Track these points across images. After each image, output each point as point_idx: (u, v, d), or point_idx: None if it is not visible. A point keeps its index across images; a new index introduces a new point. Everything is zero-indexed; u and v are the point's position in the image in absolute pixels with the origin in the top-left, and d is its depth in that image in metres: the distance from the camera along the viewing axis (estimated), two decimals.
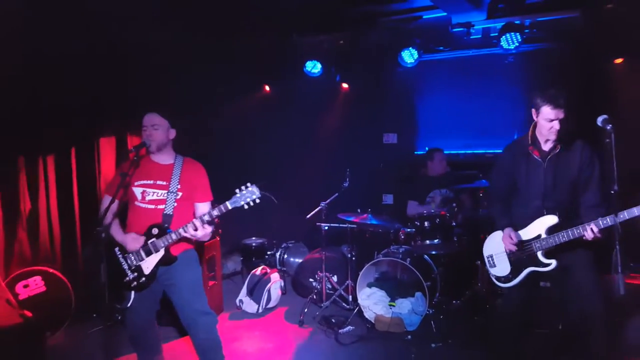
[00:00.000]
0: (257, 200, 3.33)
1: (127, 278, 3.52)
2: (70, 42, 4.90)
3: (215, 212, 3.38)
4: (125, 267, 3.53)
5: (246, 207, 3.33)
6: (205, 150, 3.89)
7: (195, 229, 3.39)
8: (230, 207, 3.35)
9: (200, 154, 3.96)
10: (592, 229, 3.20)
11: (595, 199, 3.43)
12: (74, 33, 4.88)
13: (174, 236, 3.45)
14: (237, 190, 3.33)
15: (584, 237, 3.26)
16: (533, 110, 3.50)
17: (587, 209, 3.43)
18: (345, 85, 7.67)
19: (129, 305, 3.55)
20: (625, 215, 3.08)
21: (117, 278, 3.53)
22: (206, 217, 3.40)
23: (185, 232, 3.41)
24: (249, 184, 3.34)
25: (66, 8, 4.59)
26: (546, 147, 3.54)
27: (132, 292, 3.55)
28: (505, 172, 3.75)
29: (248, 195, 3.31)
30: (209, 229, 3.45)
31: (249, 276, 6.04)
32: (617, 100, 5.36)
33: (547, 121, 3.39)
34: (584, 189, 3.47)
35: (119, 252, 3.56)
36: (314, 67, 7.20)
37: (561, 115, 3.35)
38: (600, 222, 3.18)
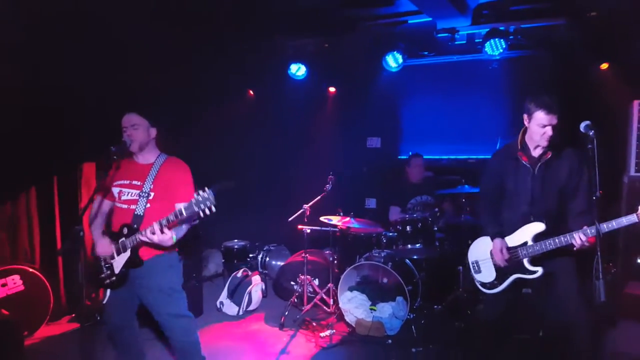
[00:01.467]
0: (213, 209, 3.10)
1: (102, 275, 3.52)
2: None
3: (172, 217, 3.22)
4: (102, 262, 3.53)
5: (202, 214, 3.12)
6: (187, 152, 3.82)
7: (153, 233, 3.23)
8: (185, 214, 3.15)
9: (182, 156, 3.90)
10: (580, 237, 3.20)
11: (582, 207, 3.43)
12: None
13: (137, 238, 3.38)
14: (195, 194, 3.12)
15: (572, 245, 3.26)
16: (525, 116, 3.50)
17: (574, 217, 3.44)
18: (330, 89, 7.66)
19: (105, 301, 3.54)
20: (613, 224, 3.09)
21: (95, 274, 3.53)
22: (164, 221, 3.24)
23: (144, 237, 3.29)
24: (206, 189, 3.10)
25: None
26: (535, 153, 3.54)
27: (108, 290, 3.55)
28: (494, 177, 3.73)
29: (203, 202, 3.08)
30: (168, 234, 3.25)
31: (230, 278, 6.00)
32: (600, 106, 5.41)
33: (540, 127, 3.39)
34: (572, 196, 3.47)
35: None
36: (298, 70, 7.19)
37: (554, 121, 3.36)
38: (588, 230, 3.18)
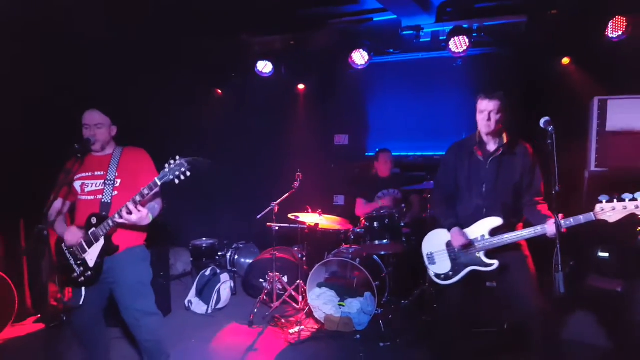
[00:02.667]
0: (188, 173, 3.13)
1: (75, 273, 3.45)
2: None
3: (146, 191, 3.22)
4: (72, 262, 3.46)
5: (177, 181, 3.14)
6: (151, 152, 3.81)
7: (129, 212, 3.24)
8: (159, 183, 3.18)
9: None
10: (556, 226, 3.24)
11: (536, 197, 3.56)
12: None
13: (110, 222, 3.34)
14: (166, 165, 3.16)
15: (547, 235, 3.29)
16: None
17: (530, 206, 3.55)
18: (299, 86, 7.66)
19: (80, 303, 3.45)
20: (571, 221, 3.17)
21: (67, 274, 3.46)
22: (137, 197, 3.24)
23: (120, 217, 3.28)
24: (177, 157, 3.16)
25: None
26: (490, 147, 3.63)
27: (83, 290, 3.47)
28: (448, 170, 3.81)
29: (176, 168, 3.13)
30: (144, 211, 3.30)
31: (198, 276, 5.96)
32: (562, 102, 5.55)
33: (480, 112, 3.51)
34: (527, 191, 3.58)
35: (65, 248, 3.48)
36: (264, 68, 7.16)
37: (491, 107, 3.46)
38: (563, 222, 3.22)
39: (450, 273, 3.75)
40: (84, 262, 3.45)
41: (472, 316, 4.04)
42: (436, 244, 3.86)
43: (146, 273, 3.71)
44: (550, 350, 3.45)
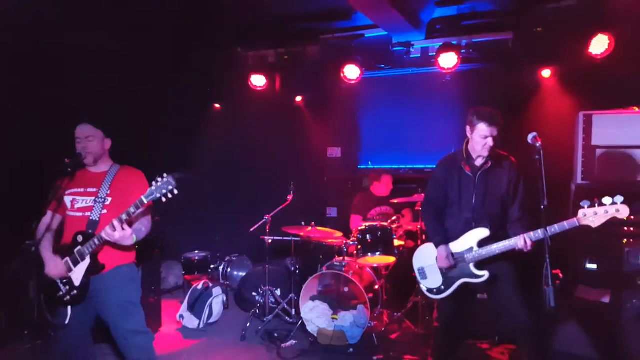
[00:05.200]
0: (175, 192, 3.12)
1: (61, 292, 3.40)
2: None
3: (132, 209, 3.21)
4: (58, 280, 3.41)
5: (164, 199, 3.13)
6: (145, 164, 3.83)
7: (114, 230, 3.19)
8: (145, 201, 3.17)
9: (141, 168, 3.89)
10: (525, 240, 3.38)
11: (517, 214, 3.67)
12: None
13: (96, 241, 3.31)
14: (153, 183, 3.15)
15: (517, 249, 3.43)
16: (467, 128, 3.69)
17: (511, 223, 3.67)
18: (292, 100, 7.73)
19: (66, 322, 3.40)
20: (555, 228, 3.26)
21: (52, 293, 3.40)
22: (124, 216, 3.22)
23: (105, 234, 3.25)
24: (164, 175, 3.14)
25: None
26: (478, 162, 3.71)
27: (69, 308, 3.42)
28: (438, 185, 3.87)
29: (164, 186, 3.11)
30: (128, 230, 3.25)
31: (190, 290, 5.93)
32: (548, 117, 5.67)
33: (482, 138, 3.57)
34: (510, 204, 3.69)
35: None
36: (258, 81, 7.23)
37: (495, 132, 3.54)
38: (532, 234, 3.37)
39: (442, 287, 3.80)
40: (70, 281, 3.39)
41: (465, 328, 4.07)
42: (427, 259, 3.90)
43: (135, 292, 3.65)
44: None
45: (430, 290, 3.89)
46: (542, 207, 3.18)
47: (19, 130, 5.37)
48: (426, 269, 3.91)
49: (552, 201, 3.22)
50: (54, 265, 3.40)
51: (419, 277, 3.97)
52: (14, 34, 4.91)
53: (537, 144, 3.28)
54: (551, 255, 3.11)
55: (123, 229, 3.22)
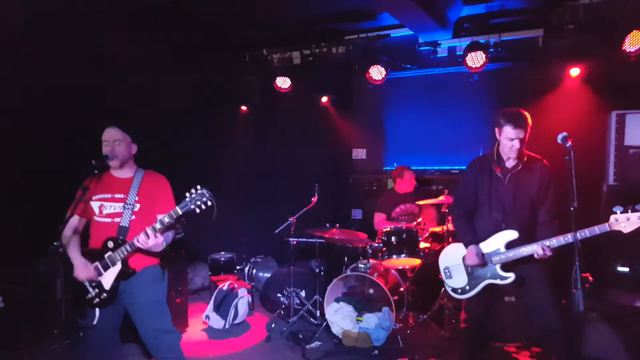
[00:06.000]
0: (209, 203, 3.20)
1: (90, 295, 3.46)
2: None
3: (167, 219, 3.29)
4: (87, 283, 3.48)
5: (198, 210, 3.21)
6: (171, 165, 3.86)
7: (147, 238, 3.29)
8: (180, 212, 3.25)
9: (167, 169, 3.93)
10: (543, 248, 3.35)
11: (544, 218, 3.61)
12: None
13: (128, 247, 3.39)
14: (187, 194, 3.23)
15: (535, 256, 3.40)
16: (496, 129, 3.65)
17: (539, 226, 3.61)
18: (318, 101, 7.72)
19: (94, 323, 3.46)
20: (586, 233, 3.19)
21: (80, 295, 3.47)
22: (158, 225, 3.31)
23: (137, 242, 3.34)
24: (198, 187, 3.23)
25: None
26: (508, 164, 3.68)
27: (97, 310, 3.48)
28: (469, 187, 3.84)
29: (198, 198, 3.19)
30: (160, 238, 3.36)
31: (216, 291, 5.97)
32: (579, 117, 5.53)
33: (508, 140, 3.55)
34: (540, 207, 3.62)
35: None
36: (283, 83, 7.25)
37: (521, 135, 3.51)
38: (562, 238, 3.31)
39: (467, 287, 3.77)
40: (99, 285, 3.46)
41: (491, 331, 4.02)
42: (453, 259, 3.89)
43: (162, 291, 3.75)
44: None
45: (454, 290, 3.88)
46: (572, 208, 3.11)
47: (45, 131, 5.47)
48: (451, 268, 3.90)
49: (583, 203, 3.14)
50: (84, 269, 3.46)
51: (444, 277, 3.97)
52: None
53: (568, 144, 3.21)
54: (580, 258, 3.03)
55: (156, 237, 3.31)
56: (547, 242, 3.35)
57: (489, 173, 3.72)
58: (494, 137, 3.71)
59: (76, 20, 4.95)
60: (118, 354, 3.81)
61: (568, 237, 3.27)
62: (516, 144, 3.53)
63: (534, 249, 3.41)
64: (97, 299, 3.46)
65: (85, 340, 3.61)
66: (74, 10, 4.82)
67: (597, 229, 3.19)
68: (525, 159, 3.64)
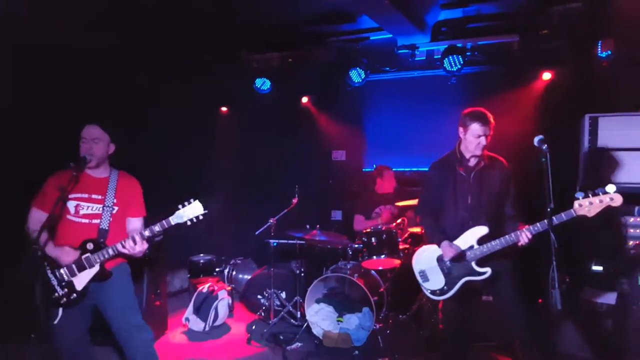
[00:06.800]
0: (201, 217, 3.30)
1: (57, 294, 3.38)
2: None
3: (157, 228, 3.32)
4: (55, 282, 3.40)
5: (189, 223, 3.28)
6: (150, 166, 3.84)
7: (134, 244, 3.31)
8: (172, 223, 3.30)
9: (145, 171, 3.91)
10: (526, 235, 3.47)
11: (511, 211, 3.80)
12: None
13: (110, 251, 3.37)
14: (180, 206, 3.29)
15: (518, 243, 3.51)
16: (460, 129, 3.79)
17: (506, 220, 3.77)
18: (297, 103, 7.74)
19: (56, 322, 3.39)
20: (554, 220, 3.30)
21: (45, 294, 3.36)
22: (147, 233, 3.33)
23: (123, 247, 3.33)
24: (192, 200, 3.31)
25: None
26: (471, 162, 3.80)
27: (60, 309, 3.40)
28: (433, 188, 3.93)
29: (191, 211, 3.27)
30: (145, 245, 3.38)
31: (196, 293, 5.94)
32: (554, 119, 5.65)
33: (476, 137, 3.67)
34: (504, 202, 3.79)
35: (47, 267, 3.41)
36: (263, 85, 7.25)
37: (488, 131, 3.66)
38: (532, 227, 3.46)
39: (445, 287, 3.81)
40: (70, 284, 3.40)
41: (471, 331, 4.08)
42: (427, 261, 3.93)
43: (132, 286, 3.73)
44: None
45: (433, 292, 3.90)
46: (549, 209, 3.21)
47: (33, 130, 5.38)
48: (427, 270, 3.93)
49: (557, 204, 3.24)
50: (66, 255, 3.38)
51: (420, 280, 3.98)
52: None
53: (544, 147, 3.31)
54: (557, 258, 3.12)
55: (142, 244, 3.34)
56: (531, 228, 3.45)
57: (453, 172, 3.81)
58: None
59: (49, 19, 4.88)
60: (88, 355, 3.70)
61: (538, 226, 3.42)
62: (483, 140, 3.66)
63: (512, 238, 3.51)
64: (65, 299, 3.39)
65: (51, 341, 3.45)
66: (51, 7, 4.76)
67: (563, 215, 3.34)
68: (486, 157, 3.79)
